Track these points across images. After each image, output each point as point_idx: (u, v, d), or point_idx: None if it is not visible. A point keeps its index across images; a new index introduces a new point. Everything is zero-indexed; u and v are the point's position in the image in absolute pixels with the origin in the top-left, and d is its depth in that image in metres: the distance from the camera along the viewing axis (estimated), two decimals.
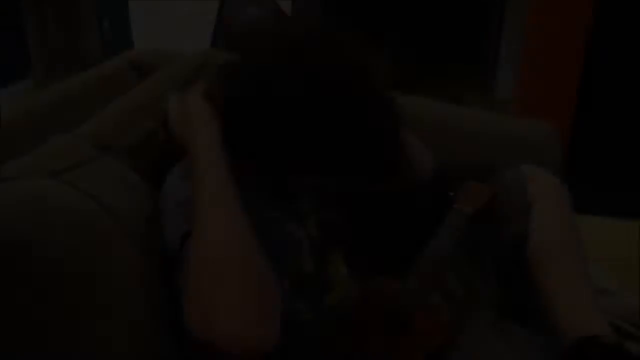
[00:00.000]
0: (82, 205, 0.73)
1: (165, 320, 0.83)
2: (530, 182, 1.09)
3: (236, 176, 0.80)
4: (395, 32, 5.26)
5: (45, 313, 0.60)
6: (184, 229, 0.80)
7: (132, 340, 0.71)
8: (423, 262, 1.01)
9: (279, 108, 0.76)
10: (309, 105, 0.74)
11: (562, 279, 0.98)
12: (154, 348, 0.77)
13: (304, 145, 0.76)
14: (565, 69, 2.20)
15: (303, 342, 0.92)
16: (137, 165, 0.96)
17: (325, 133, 0.74)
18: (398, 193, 1.10)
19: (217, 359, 0.67)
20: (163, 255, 0.86)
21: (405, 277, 1.01)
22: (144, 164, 0.98)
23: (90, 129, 0.97)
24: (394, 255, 1.20)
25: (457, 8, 6.32)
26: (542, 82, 2.26)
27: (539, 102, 2.28)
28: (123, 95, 1.14)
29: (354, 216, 1.23)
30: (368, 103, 0.76)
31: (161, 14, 3.16)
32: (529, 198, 1.07)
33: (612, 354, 0.88)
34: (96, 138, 0.94)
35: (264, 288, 0.70)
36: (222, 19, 1.54)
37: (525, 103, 2.33)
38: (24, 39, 3.82)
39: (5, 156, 0.90)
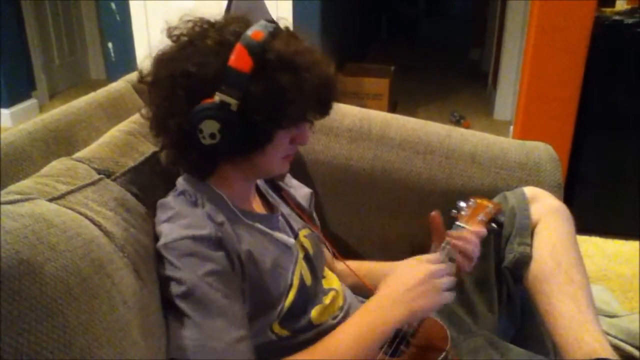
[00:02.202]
0: (83, 228, 0.74)
1: (162, 346, 0.83)
2: (532, 204, 1.10)
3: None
4: (399, 51, 5.33)
5: (48, 335, 0.60)
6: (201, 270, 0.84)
7: None
8: None
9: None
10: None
11: (564, 299, 0.98)
12: None
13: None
14: (564, 90, 2.22)
15: (279, 352, 0.93)
16: (134, 190, 0.97)
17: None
18: None
19: None
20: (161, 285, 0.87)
21: None
22: (141, 189, 0.98)
23: (91, 152, 0.98)
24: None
25: (456, 30, 6.41)
26: (541, 103, 2.28)
27: (538, 123, 2.29)
28: (126, 118, 1.16)
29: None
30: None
31: (165, 37, 3.19)
32: (531, 219, 1.08)
33: None
34: (97, 162, 0.95)
35: None
36: None
37: (524, 124, 2.35)
38: (28, 60, 3.86)
39: (9, 178, 0.91)
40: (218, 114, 0.85)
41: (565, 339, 0.94)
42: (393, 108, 3.81)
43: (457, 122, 3.70)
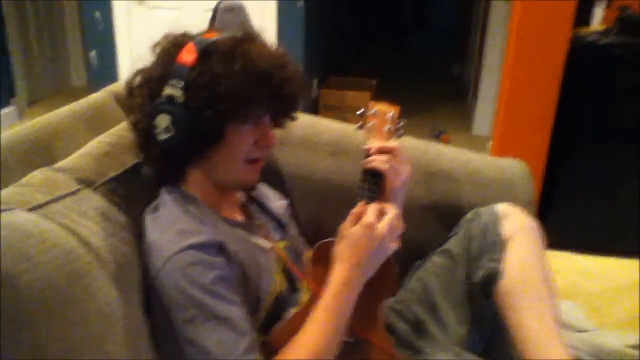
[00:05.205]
0: (61, 239, 0.74)
1: (145, 355, 0.83)
2: (504, 221, 1.12)
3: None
4: (381, 67, 5.38)
5: (21, 346, 0.61)
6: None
7: None
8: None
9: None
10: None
11: (531, 315, 1.00)
12: None
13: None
14: (540, 108, 2.27)
15: None
16: (116, 199, 0.97)
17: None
18: None
19: None
20: (147, 289, 0.88)
21: None
22: (122, 198, 0.99)
23: (72, 162, 0.98)
24: None
25: (441, 44, 6.49)
26: (519, 120, 2.33)
27: (515, 139, 2.34)
28: (106, 129, 1.16)
29: None
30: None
31: (147, 45, 3.19)
32: (503, 236, 1.10)
33: None
34: (77, 172, 0.95)
35: None
36: None
37: (502, 140, 2.39)
38: (8, 66, 3.82)
39: None
40: (167, 107, 0.90)
41: (532, 354, 0.97)
42: None
43: (437, 137, 3.75)
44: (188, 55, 0.90)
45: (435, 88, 5.14)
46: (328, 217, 1.16)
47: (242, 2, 2.38)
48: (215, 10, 2.29)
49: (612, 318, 1.90)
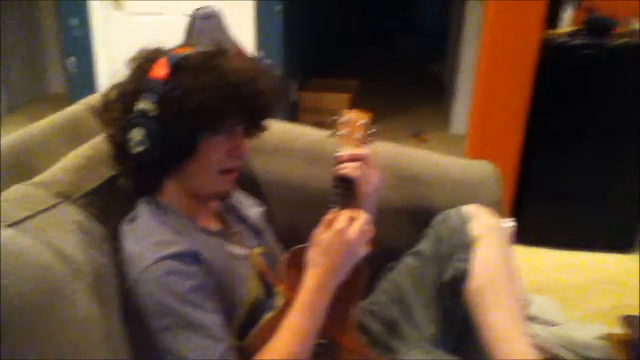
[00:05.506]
0: (38, 254, 0.77)
1: None
2: (472, 222, 1.16)
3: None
4: (362, 66, 5.42)
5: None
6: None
7: None
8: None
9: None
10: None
11: (498, 312, 1.04)
12: None
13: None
14: (513, 108, 2.33)
15: None
16: (94, 211, 1.00)
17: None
18: None
19: None
20: (125, 299, 0.91)
21: None
22: (101, 210, 1.02)
23: (49, 176, 1.00)
24: None
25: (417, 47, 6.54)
26: (492, 120, 2.38)
27: (489, 139, 2.39)
28: (84, 141, 1.18)
29: None
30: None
31: (126, 51, 3.19)
32: (470, 237, 1.14)
33: None
34: (55, 185, 0.98)
35: None
36: None
37: (476, 140, 2.45)
38: None
39: None
40: (140, 121, 0.93)
41: (499, 350, 1.01)
42: None
43: (415, 136, 3.79)
44: (160, 70, 0.93)
45: (416, 88, 5.18)
46: (303, 222, 1.20)
47: (219, 8, 2.41)
48: (193, 18, 2.32)
49: (586, 311, 1.96)
